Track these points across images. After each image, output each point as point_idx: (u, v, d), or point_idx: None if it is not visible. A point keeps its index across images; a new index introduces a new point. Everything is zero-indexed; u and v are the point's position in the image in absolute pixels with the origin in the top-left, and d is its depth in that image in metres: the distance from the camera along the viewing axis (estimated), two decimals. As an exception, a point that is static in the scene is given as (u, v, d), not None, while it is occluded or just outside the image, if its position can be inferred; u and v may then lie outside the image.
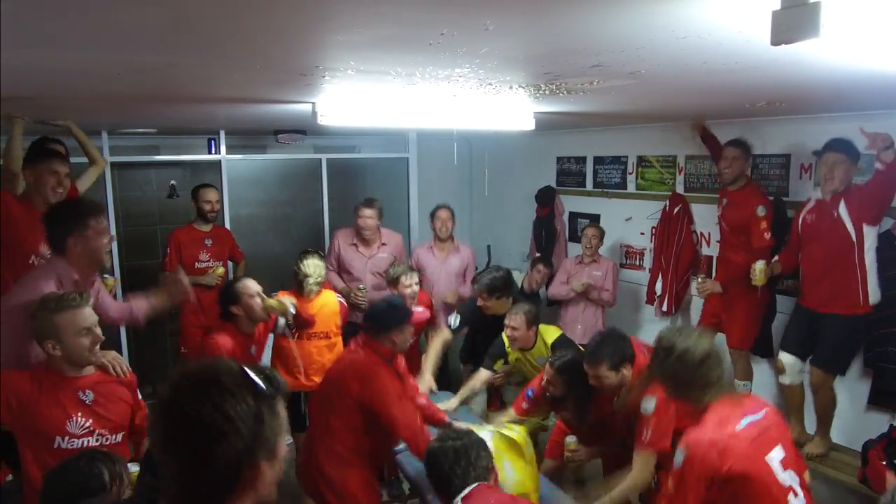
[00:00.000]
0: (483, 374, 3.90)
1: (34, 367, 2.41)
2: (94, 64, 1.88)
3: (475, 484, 2.14)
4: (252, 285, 3.40)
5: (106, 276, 3.25)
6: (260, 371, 1.12)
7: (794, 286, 3.97)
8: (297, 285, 3.97)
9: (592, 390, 3.02)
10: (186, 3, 1.26)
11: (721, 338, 4.02)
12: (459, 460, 2.18)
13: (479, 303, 4.06)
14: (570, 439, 3.20)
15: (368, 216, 4.72)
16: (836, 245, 3.53)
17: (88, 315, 2.32)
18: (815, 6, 1.12)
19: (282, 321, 3.74)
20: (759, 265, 3.76)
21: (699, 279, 4.26)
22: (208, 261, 4.67)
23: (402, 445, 3.19)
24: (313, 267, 3.95)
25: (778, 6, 1.17)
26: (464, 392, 3.88)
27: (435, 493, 2.21)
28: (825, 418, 3.75)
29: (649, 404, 2.70)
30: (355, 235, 4.84)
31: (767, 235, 3.85)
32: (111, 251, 4.99)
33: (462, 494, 2.12)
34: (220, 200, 4.84)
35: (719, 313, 4.16)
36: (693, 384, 2.19)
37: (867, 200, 3.43)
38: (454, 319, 4.26)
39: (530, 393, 3.42)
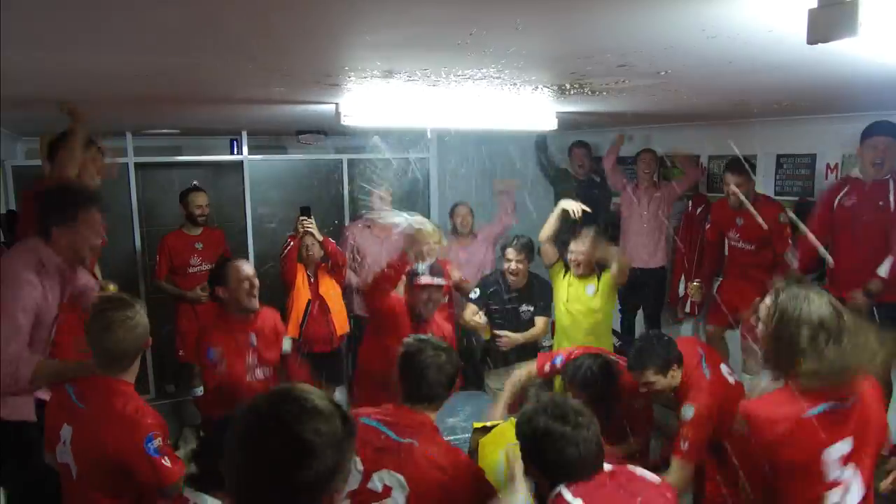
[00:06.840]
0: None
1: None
2: (121, 66, 1.90)
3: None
4: (247, 267, 2.98)
5: (111, 285, 2.96)
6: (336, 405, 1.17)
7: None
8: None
9: (618, 397, 2.96)
10: (213, 4, 1.26)
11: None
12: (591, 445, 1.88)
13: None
14: None
15: (382, 196, 4.82)
16: (882, 230, 3.39)
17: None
18: (852, 4, 1.10)
19: (287, 344, 3.30)
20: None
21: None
22: (200, 265, 4.62)
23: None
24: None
25: (815, 4, 1.15)
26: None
27: (544, 474, 1.90)
28: None
29: (689, 411, 2.67)
30: (368, 220, 4.92)
31: (790, 239, 3.90)
32: (136, 257, 5.03)
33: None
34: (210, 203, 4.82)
35: (737, 305, 3.95)
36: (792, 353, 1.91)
37: None
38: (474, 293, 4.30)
39: (558, 361, 3.23)
